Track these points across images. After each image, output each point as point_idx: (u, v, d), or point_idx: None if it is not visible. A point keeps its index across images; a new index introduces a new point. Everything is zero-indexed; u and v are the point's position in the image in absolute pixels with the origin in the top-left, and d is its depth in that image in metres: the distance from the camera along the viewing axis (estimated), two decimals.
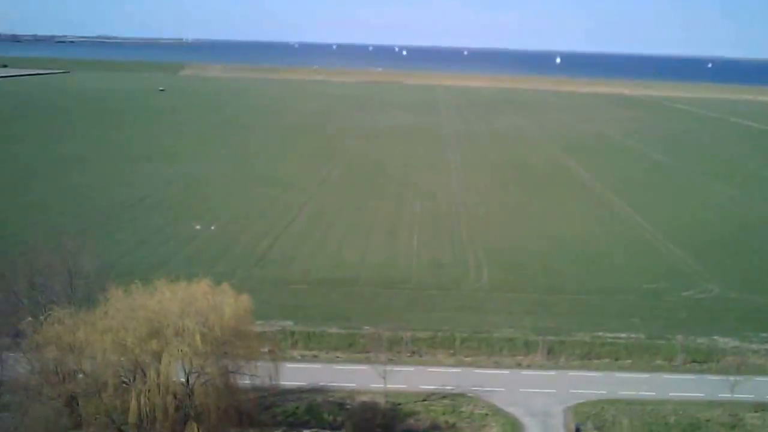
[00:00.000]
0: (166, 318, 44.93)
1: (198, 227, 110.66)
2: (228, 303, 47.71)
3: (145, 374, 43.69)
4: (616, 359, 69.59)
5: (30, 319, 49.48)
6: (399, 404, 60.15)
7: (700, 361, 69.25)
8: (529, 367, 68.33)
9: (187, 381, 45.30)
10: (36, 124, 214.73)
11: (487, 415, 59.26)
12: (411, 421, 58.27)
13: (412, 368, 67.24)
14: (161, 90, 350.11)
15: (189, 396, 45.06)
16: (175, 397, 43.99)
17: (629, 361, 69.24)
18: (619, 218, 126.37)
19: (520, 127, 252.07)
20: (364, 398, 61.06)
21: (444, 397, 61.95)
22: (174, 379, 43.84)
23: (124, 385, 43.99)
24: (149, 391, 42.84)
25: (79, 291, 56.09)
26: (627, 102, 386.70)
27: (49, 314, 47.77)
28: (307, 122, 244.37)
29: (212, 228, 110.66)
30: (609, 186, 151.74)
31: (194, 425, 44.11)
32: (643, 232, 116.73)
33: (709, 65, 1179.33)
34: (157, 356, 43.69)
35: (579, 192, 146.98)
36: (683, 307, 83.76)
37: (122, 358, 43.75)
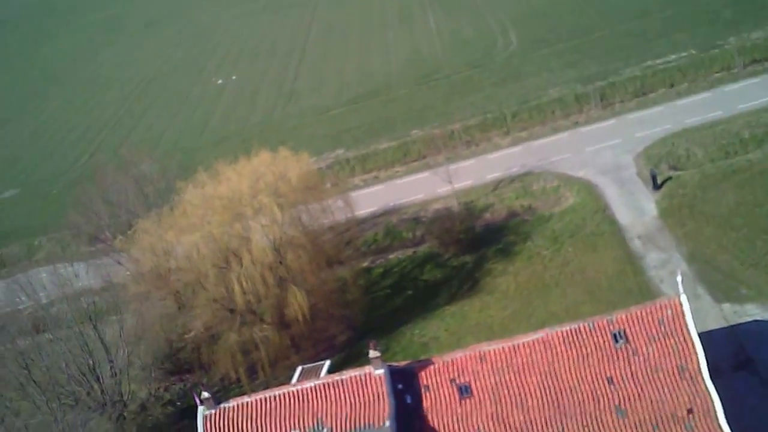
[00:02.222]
0: (240, 200, 46.32)
1: (220, 81, 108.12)
2: (292, 167, 48.50)
3: (238, 256, 45.40)
4: (672, 86, 66.31)
5: (120, 237, 52.95)
6: (471, 202, 59.58)
7: (761, 59, 65.26)
8: (586, 122, 65.95)
9: (276, 249, 46.37)
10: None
11: (559, 186, 58.06)
12: (488, 215, 57.86)
13: (472, 161, 65.83)
14: None
15: (281, 262, 46.50)
16: (270, 269, 45.54)
17: (685, 84, 66.00)
18: None
19: None
20: (437, 206, 60.63)
21: (512, 180, 60.94)
22: (266, 252, 45.28)
23: (222, 270, 45.72)
24: (246, 270, 44.63)
25: (151, 195, 57.46)
26: None
27: (135, 228, 50.20)
28: None
29: (234, 78, 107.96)
30: None
31: (293, 288, 45.85)
32: None
33: None
34: (245, 238, 45.60)
35: None
36: (725, 3, 78.68)
37: (214, 248, 45.69)
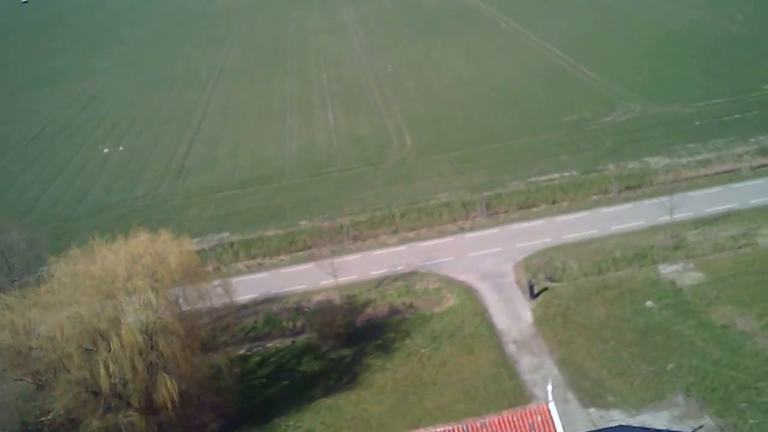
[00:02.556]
0: (114, 282, 44.11)
1: (106, 150, 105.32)
2: (171, 252, 46.74)
3: (106, 339, 43.11)
4: (554, 202, 69.76)
5: None
6: (354, 296, 59.87)
7: (635, 186, 69.97)
8: (472, 229, 68.22)
9: (148, 334, 44.49)
10: None
11: (441, 288, 59.33)
12: (369, 310, 58.24)
13: (358, 256, 66.62)
14: (24, 2, 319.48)
15: (153, 348, 44.58)
16: (141, 354, 43.54)
17: (566, 202, 69.57)
18: (529, 49, 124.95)
19: None
20: (319, 297, 60.68)
21: (396, 278, 61.84)
22: (136, 336, 43.11)
23: (89, 351, 43.43)
24: (114, 355, 42.43)
25: (17, 268, 54.50)
26: None
27: None
28: (187, 6, 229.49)
29: (120, 149, 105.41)
30: (513, 17, 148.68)
31: (164, 375, 43.95)
32: (555, 59, 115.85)
33: None
34: (115, 321, 43.35)
35: (486, 29, 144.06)
36: (608, 133, 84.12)
37: (81, 329, 43.09)
